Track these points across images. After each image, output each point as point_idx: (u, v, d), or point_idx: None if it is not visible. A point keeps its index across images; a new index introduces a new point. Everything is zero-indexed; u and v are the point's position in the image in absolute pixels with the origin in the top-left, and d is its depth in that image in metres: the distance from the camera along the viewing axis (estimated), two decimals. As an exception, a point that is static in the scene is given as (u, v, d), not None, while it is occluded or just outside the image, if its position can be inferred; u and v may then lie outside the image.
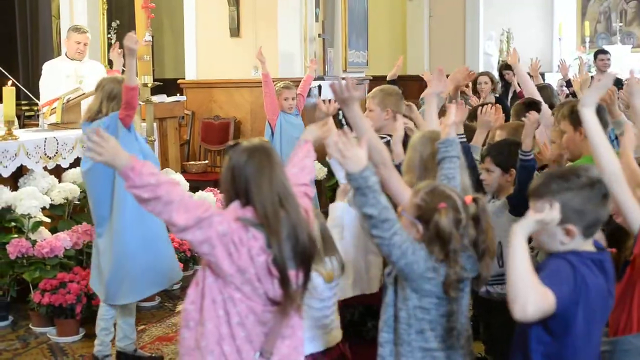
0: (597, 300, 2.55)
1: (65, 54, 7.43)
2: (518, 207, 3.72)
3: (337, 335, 3.40)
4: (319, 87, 9.00)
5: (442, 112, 4.36)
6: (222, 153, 9.03)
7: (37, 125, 7.11)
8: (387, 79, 6.99)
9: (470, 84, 7.02)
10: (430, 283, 2.77)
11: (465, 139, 4.22)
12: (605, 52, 10.53)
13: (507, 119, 6.72)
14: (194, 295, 2.77)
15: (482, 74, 8.64)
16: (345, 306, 3.80)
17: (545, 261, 2.67)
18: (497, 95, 8.00)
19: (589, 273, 2.54)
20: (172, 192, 2.62)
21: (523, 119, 4.32)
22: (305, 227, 2.76)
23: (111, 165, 2.67)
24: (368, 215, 2.69)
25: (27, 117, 8.16)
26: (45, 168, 6.01)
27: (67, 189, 5.90)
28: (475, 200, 2.87)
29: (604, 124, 4.22)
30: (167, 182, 2.64)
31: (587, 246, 2.63)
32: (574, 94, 5.38)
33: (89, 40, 7.42)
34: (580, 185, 2.58)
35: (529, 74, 6.67)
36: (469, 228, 2.79)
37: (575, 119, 4.12)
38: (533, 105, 5.40)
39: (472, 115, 5.10)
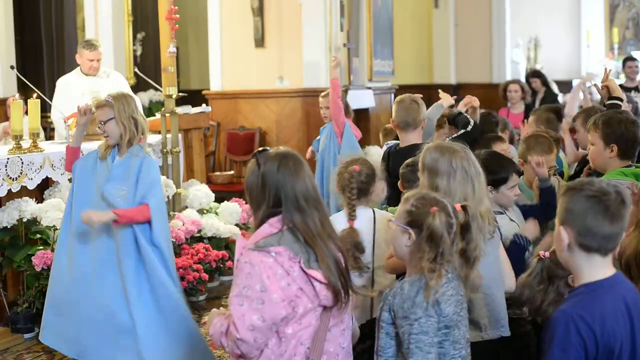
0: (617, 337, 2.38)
1: (80, 69, 7.29)
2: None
3: None
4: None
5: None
6: (247, 164, 8.99)
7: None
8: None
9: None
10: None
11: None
12: (633, 59, 10.46)
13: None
14: None
15: (512, 81, 8.57)
16: None
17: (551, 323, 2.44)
18: (527, 103, 7.93)
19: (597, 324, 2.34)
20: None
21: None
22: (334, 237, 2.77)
23: None
24: None
25: (52, 129, 8.18)
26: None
27: (92, 201, 5.87)
28: (464, 207, 2.84)
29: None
30: None
31: (599, 268, 2.43)
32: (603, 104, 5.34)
33: (102, 54, 7.31)
34: (585, 190, 2.42)
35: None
36: (458, 235, 2.78)
37: (607, 134, 4.03)
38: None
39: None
